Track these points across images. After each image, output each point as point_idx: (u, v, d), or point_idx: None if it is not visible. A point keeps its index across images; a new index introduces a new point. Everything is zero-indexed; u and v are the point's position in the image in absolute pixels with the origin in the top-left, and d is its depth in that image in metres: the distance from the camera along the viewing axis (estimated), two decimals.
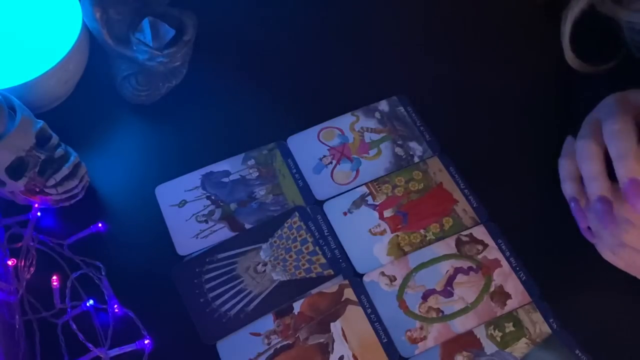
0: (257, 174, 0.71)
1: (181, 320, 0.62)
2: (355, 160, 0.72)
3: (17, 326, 0.61)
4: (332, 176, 0.71)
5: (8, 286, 0.62)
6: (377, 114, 0.74)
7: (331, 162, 0.71)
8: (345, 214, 0.68)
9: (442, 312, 0.63)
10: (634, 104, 0.57)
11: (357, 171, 0.71)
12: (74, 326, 0.61)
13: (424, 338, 0.61)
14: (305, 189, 0.70)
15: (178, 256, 0.66)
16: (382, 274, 0.65)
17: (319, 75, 0.78)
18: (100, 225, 0.67)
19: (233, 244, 0.66)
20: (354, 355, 0.61)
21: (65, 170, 0.65)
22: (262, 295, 0.64)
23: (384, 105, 0.75)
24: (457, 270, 0.65)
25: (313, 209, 0.68)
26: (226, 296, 0.64)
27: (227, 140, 0.73)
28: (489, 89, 0.77)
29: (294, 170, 0.71)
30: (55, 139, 0.65)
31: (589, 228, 0.60)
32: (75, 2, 0.70)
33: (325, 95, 0.76)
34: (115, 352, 0.60)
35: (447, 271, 0.65)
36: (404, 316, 0.62)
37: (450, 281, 0.64)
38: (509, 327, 0.62)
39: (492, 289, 0.64)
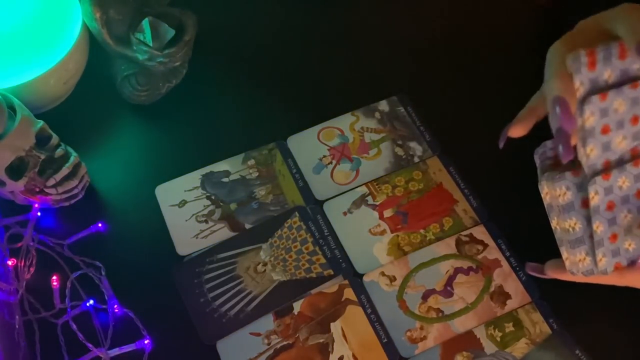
0: (257, 174, 0.71)
1: (181, 320, 0.62)
2: (355, 160, 0.72)
3: (17, 326, 0.61)
4: (332, 176, 0.71)
5: (8, 286, 0.62)
6: (377, 114, 0.74)
7: (331, 162, 0.71)
8: (345, 214, 0.68)
9: (442, 312, 0.63)
10: (578, 37, 0.55)
11: (357, 171, 0.71)
12: (74, 326, 0.61)
13: (424, 338, 0.61)
14: (305, 189, 0.70)
15: (178, 256, 0.66)
16: (382, 274, 0.65)
17: (319, 75, 0.78)
18: (100, 225, 0.67)
19: (233, 244, 0.66)
20: (354, 355, 0.61)
21: (65, 170, 0.65)
22: (262, 295, 0.64)
23: (384, 105, 0.75)
24: (457, 270, 0.65)
25: (313, 209, 0.68)
26: (226, 296, 0.64)
27: (227, 140, 0.73)
28: (490, 89, 0.77)
29: (294, 170, 0.71)
30: (55, 139, 0.65)
31: None
32: (75, 2, 0.70)
33: (325, 95, 0.76)
34: (115, 352, 0.60)
35: (447, 271, 0.65)
36: (404, 316, 0.62)
37: (450, 281, 0.64)
38: (509, 327, 0.62)
39: (492, 289, 0.64)
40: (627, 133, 0.51)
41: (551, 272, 0.58)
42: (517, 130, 0.59)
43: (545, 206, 0.53)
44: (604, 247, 0.53)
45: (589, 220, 0.52)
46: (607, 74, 0.50)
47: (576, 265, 0.53)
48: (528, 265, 0.60)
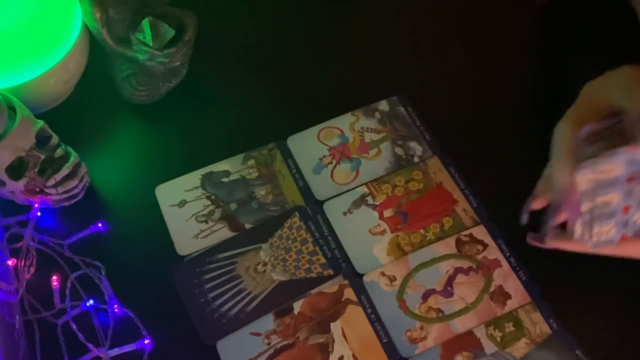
0: (257, 174, 0.71)
1: (181, 320, 0.63)
2: (355, 160, 0.72)
3: (17, 326, 0.61)
4: (332, 176, 0.71)
5: (8, 286, 0.62)
6: (377, 114, 0.74)
7: (331, 162, 0.71)
8: (345, 214, 0.68)
9: (442, 312, 0.63)
10: (593, 109, 0.57)
11: (357, 171, 0.71)
12: (74, 326, 0.61)
13: (424, 338, 0.61)
14: (305, 189, 0.70)
15: (178, 256, 0.66)
16: (382, 274, 0.65)
17: (319, 75, 0.78)
18: (100, 225, 0.67)
19: (233, 244, 0.66)
20: (354, 355, 0.61)
21: (65, 170, 0.65)
22: (262, 295, 0.64)
23: (384, 105, 0.75)
24: (457, 270, 0.65)
25: (313, 209, 0.68)
26: (226, 296, 0.64)
27: (227, 140, 0.73)
28: (490, 89, 0.77)
29: (294, 170, 0.71)
30: (55, 139, 0.65)
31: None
32: (75, 2, 0.70)
33: (325, 95, 0.76)
34: (115, 352, 0.60)
35: (447, 271, 0.65)
36: (404, 316, 0.63)
37: (450, 281, 0.64)
38: (509, 327, 0.62)
39: (492, 289, 0.64)
40: None
41: (552, 242, 0.58)
42: (539, 204, 0.60)
43: (584, 189, 0.53)
44: (615, 218, 0.54)
45: (627, 194, 0.53)
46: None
47: (600, 236, 0.55)
48: (529, 235, 0.60)
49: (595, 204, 0.55)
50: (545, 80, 0.78)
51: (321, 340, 0.62)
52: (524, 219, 0.61)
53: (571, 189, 0.54)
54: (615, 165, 0.52)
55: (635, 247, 0.56)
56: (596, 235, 0.56)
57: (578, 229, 0.56)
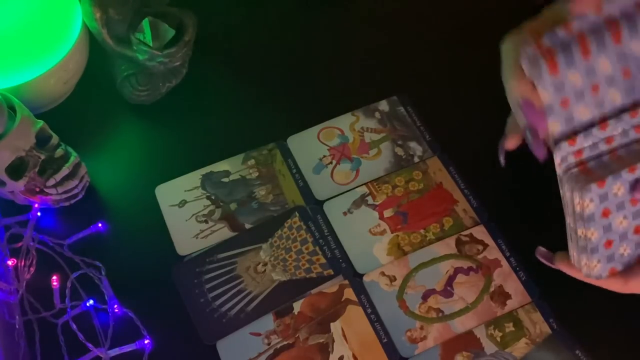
0: (257, 174, 0.71)
1: (181, 320, 0.63)
2: (355, 160, 0.72)
3: (17, 326, 0.61)
4: (332, 176, 0.71)
5: (8, 286, 0.62)
6: (377, 114, 0.74)
7: (331, 162, 0.71)
8: (345, 214, 0.68)
9: (442, 312, 0.63)
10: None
11: (357, 171, 0.71)
12: (74, 326, 0.61)
13: (424, 338, 0.61)
14: (305, 189, 0.70)
15: (178, 256, 0.66)
16: (382, 274, 0.65)
17: (319, 75, 0.78)
18: (100, 225, 0.67)
19: (233, 244, 0.66)
20: (354, 355, 0.61)
21: (65, 170, 0.65)
22: (262, 295, 0.64)
23: (384, 105, 0.75)
24: (457, 270, 0.65)
25: (313, 209, 0.68)
26: (226, 296, 0.64)
27: (227, 140, 0.73)
28: (489, 89, 0.76)
29: (294, 170, 0.71)
30: (55, 139, 0.65)
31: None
32: (75, 2, 0.70)
33: (325, 95, 0.76)
34: (115, 352, 0.60)
35: (447, 271, 0.65)
36: (404, 316, 0.62)
37: (450, 281, 0.64)
38: (509, 327, 0.62)
39: (492, 289, 0.64)
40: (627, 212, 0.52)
41: (560, 265, 0.58)
42: (512, 142, 0.60)
43: (576, 214, 0.53)
44: (598, 254, 0.53)
45: (606, 228, 0.53)
46: (574, 78, 0.48)
47: (591, 270, 0.55)
48: (539, 250, 0.60)
49: (578, 235, 0.54)
50: None
51: (321, 340, 0.62)
52: (502, 160, 0.60)
53: (531, 98, 0.50)
54: (589, 201, 0.51)
55: (625, 283, 0.55)
56: (585, 267, 0.55)
57: (573, 252, 0.55)
